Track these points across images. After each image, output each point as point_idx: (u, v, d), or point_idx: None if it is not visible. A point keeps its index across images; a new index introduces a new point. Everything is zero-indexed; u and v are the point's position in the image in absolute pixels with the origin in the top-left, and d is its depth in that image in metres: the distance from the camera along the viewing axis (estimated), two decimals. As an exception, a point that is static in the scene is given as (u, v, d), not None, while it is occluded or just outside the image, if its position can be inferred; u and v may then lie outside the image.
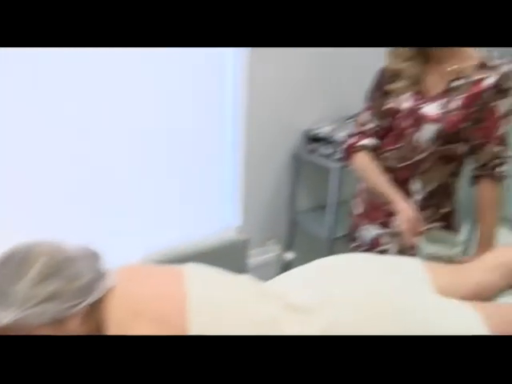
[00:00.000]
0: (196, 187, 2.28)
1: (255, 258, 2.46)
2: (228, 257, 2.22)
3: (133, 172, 2.07)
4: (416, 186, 1.53)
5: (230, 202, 2.42)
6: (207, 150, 2.25)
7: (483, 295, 1.28)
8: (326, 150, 2.30)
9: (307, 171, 2.55)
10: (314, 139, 2.38)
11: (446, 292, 1.20)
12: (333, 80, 2.49)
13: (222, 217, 2.42)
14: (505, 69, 1.41)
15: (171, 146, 2.13)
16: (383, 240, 1.65)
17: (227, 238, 2.20)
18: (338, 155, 2.21)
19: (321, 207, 2.59)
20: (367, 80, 1.62)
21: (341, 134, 2.21)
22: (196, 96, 2.13)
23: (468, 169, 1.55)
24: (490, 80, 1.40)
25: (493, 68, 1.41)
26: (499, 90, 1.40)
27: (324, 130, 2.35)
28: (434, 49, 1.44)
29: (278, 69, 2.28)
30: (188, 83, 2.09)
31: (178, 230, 2.23)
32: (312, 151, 2.39)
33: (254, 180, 2.40)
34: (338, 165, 2.23)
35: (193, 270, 1.15)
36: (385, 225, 1.63)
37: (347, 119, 2.39)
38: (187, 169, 2.22)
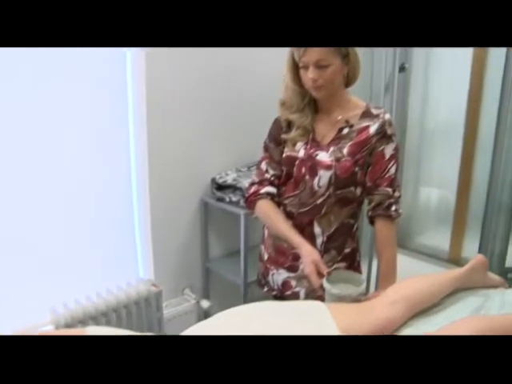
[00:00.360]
0: (104, 242, 2.21)
1: (172, 308, 2.42)
2: (142, 310, 2.17)
3: (36, 228, 1.97)
4: (317, 229, 1.60)
5: (141, 253, 2.38)
6: (112, 205, 2.21)
7: (388, 329, 1.34)
8: (234, 196, 2.34)
9: (217, 218, 2.58)
10: (222, 186, 2.42)
11: (351, 331, 1.24)
12: (235, 128, 2.56)
13: (134, 270, 2.36)
14: (386, 117, 1.53)
15: (73, 201, 2.06)
16: (292, 283, 1.69)
17: (139, 292, 2.16)
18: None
19: (233, 253, 2.60)
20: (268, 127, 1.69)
21: (246, 181, 2.26)
22: (96, 155, 2.11)
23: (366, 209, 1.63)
24: (374, 127, 1.52)
25: (376, 116, 1.53)
26: (383, 136, 1.52)
27: (230, 177, 2.39)
28: (322, 100, 1.54)
29: (177, 119, 2.32)
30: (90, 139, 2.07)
31: (87, 286, 2.13)
32: (220, 198, 2.42)
33: (163, 231, 2.37)
34: (246, 211, 2.26)
35: (93, 331, 1.12)
36: (292, 269, 1.67)
37: (251, 166, 2.45)
38: (93, 223, 2.15)
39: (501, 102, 2.39)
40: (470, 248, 2.88)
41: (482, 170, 2.72)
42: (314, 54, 1.41)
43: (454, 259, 3.04)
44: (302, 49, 1.42)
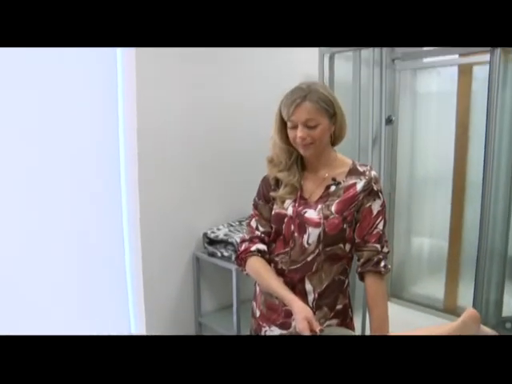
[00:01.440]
0: (96, 297, 2.20)
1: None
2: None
3: (27, 282, 1.97)
4: (308, 286, 1.59)
5: (133, 308, 2.35)
6: (104, 260, 2.21)
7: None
8: (226, 251, 2.34)
9: (209, 273, 2.58)
10: (213, 241, 2.42)
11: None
12: (227, 182, 2.59)
13: (126, 325, 2.33)
14: (372, 174, 1.56)
15: (63, 256, 2.07)
16: (285, 341, 1.67)
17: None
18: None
19: (225, 307, 2.59)
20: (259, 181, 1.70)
21: (238, 236, 2.27)
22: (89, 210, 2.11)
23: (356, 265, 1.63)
24: (361, 184, 1.54)
25: (362, 173, 1.56)
26: (370, 193, 1.54)
27: (222, 231, 2.40)
28: (309, 158, 1.57)
29: (169, 175, 2.36)
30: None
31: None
32: (212, 253, 2.42)
33: (155, 286, 2.37)
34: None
35: None
36: (285, 326, 1.65)
37: (243, 221, 2.47)
38: (84, 278, 2.15)
39: (486, 149, 2.42)
40: (466, 297, 2.85)
41: (473, 218, 2.73)
42: (302, 114, 1.44)
43: (450, 308, 3.01)
44: (292, 109, 1.45)
